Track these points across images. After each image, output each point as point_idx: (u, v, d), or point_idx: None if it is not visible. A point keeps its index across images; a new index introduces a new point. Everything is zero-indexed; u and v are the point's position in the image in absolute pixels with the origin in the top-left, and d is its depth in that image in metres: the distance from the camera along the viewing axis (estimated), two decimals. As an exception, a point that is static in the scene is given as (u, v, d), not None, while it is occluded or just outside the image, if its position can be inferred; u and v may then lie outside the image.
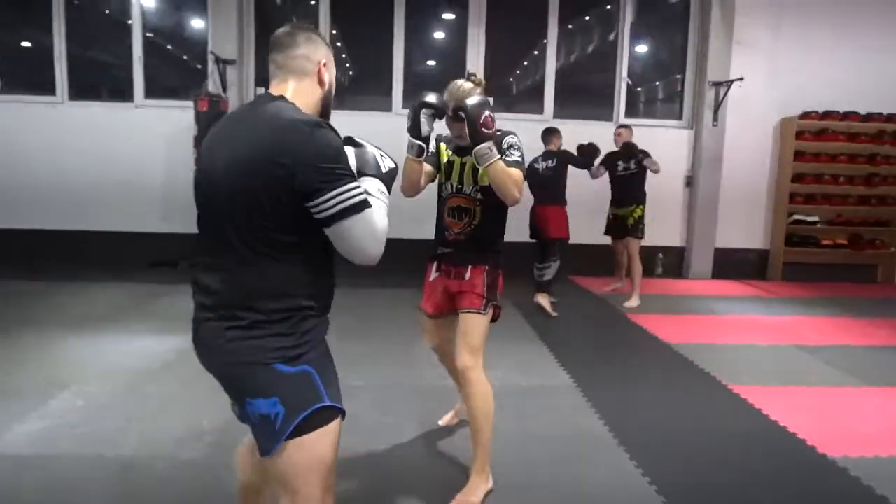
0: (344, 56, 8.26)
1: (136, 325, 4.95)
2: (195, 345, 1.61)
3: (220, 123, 1.65)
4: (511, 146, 2.50)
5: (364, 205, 1.48)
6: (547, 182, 5.67)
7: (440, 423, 3.31)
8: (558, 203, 5.70)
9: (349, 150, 1.59)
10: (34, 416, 3.27)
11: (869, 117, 7.72)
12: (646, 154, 6.01)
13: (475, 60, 7.59)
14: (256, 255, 1.50)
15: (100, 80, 7.87)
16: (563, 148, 5.80)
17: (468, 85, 2.56)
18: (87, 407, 3.41)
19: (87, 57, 7.67)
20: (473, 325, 2.56)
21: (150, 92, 7.49)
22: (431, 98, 2.42)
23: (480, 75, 2.75)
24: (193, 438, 3.04)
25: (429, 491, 2.68)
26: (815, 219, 7.95)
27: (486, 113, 2.36)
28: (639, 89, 8.13)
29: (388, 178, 1.65)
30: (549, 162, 5.70)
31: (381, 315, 5.53)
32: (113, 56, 7.69)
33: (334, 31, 7.80)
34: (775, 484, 2.81)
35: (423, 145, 2.51)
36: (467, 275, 2.60)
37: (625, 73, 7.81)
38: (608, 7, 7.99)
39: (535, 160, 5.69)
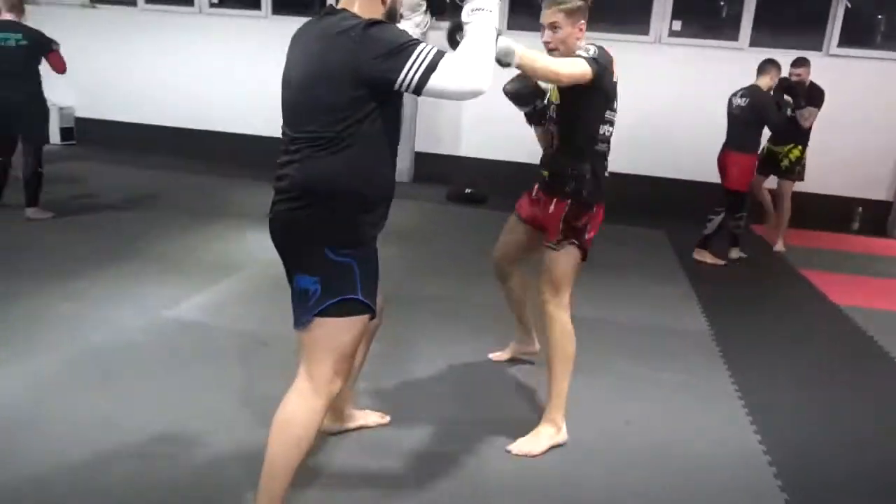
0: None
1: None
2: (269, 223, 1.78)
3: (295, 34, 1.78)
4: (582, 50, 2.25)
5: (437, 57, 1.56)
6: (735, 121, 5.09)
7: (490, 356, 3.21)
8: (742, 150, 5.07)
9: None
10: (209, 290, 3.82)
11: None
12: (807, 104, 5.31)
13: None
14: (319, 149, 1.65)
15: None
16: (772, 87, 5.10)
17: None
18: (247, 290, 3.91)
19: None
20: (551, 259, 2.44)
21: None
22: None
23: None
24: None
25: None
26: None
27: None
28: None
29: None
30: (742, 100, 5.02)
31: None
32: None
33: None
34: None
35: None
36: (551, 207, 2.49)
37: (844, -6, 6.73)
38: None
39: (734, 94, 5.12)
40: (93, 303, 3.51)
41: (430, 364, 3.10)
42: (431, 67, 1.55)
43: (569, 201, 2.43)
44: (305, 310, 1.72)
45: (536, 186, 2.65)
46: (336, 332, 1.73)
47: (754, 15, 6.92)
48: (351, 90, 1.60)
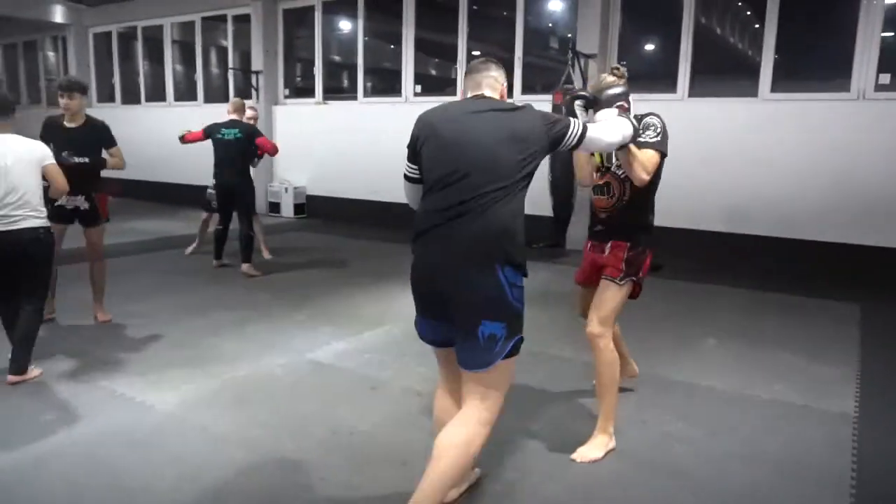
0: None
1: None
2: (437, 276, 2.09)
3: (451, 110, 2.23)
4: (648, 126, 2.58)
5: (585, 128, 2.24)
6: None
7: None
8: None
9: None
10: (350, 339, 4.37)
11: None
12: None
13: (868, 27, 6.37)
14: (498, 201, 2.05)
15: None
16: None
17: (611, 78, 2.69)
18: (382, 341, 4.39)
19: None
20: (605, 293, 2.80)
21: (528, 88, 8.45)
22: (582, 90, 2.64)
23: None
24: (426, 379, 3.69)
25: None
26: None
27: (621, 102, 2.51)
28: None
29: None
30: None
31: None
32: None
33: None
34: None
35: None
36: (607, 249, 2.86)
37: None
38: None
39: None
40: (255, 343, 4.24)
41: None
42: (585, 129, 2.23)
43: (629, 244, 2.81)
44: (493, 354, 2.03)
45: (589, 243, 3.02)
46: (508, 369, 2.12)
47: None
48: (533, 147, 2.10)
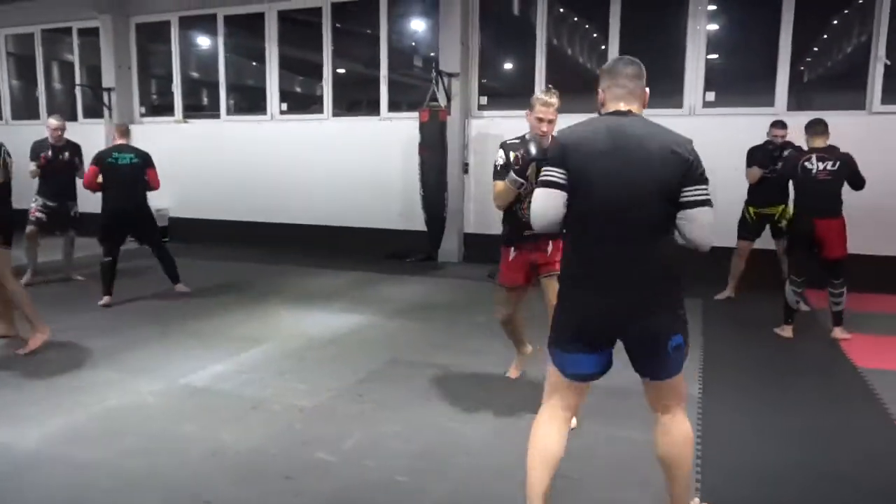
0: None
1: (335, 305, 5.90)
2: (618, 307, 2.12)
3: (600, 133, 2.12)
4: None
5: (710, 201, 2.08)
6: (826, 186, 4.74)
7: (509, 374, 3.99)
8: (840, 215, 4.80)
9: None
10: (226, 361, 4.27)
11: None
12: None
13: (695, 50, 7.17)
14: (658, 233, 2.11)
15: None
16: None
17: (554, 99, 3.26)
18: (260, 360, 4.33)
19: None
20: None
21: (394, 105, 8.63)
22: (539, 154, 3.09)
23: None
24: (309, 394, 3.71)
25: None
26: None
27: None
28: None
29: None
30: (827, 164, 4.73)
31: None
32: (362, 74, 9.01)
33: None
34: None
35: (524, 182, 3.21)
36: (549, 248, 3.36)
37: (882, 51, 6.61)
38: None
39: (805, 159, 4.82)
40: (124, 371, 4.04)
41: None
42: (708, 202, 2.08)
43: (556, 240, 3.31)
44: (679, 363, 2.18)
45: (513, 248, 3.46)
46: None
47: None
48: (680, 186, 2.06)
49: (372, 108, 8.78)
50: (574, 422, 2.79)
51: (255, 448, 3.05)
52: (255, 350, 4.53)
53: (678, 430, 2.25)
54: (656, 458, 2.31)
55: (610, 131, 2.10)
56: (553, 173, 2.12)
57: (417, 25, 9.09)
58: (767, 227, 6.03)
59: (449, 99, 7.99)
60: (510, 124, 3.20)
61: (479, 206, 8.15)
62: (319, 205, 8.92)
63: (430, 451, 3.05)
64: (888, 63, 6.65)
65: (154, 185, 6.08)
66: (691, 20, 7.22)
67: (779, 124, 5.81)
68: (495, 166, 3.38)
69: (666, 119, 2.35)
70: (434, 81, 7.84)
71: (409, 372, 4.01)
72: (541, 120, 3.27)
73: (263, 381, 3.94)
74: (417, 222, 8.08)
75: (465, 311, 5.68)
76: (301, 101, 9.84)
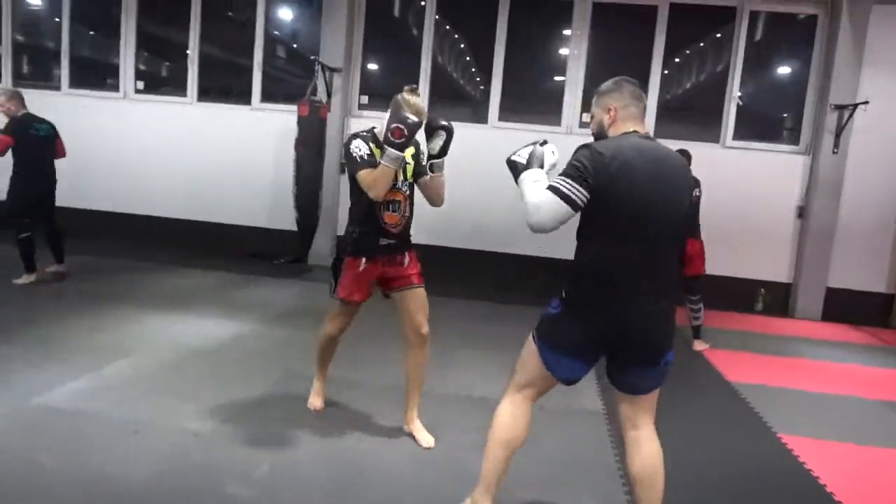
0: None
1: (205, 310, 5.33)
2: (634, 323, 2.11)
3: (634, 153, 2.08)
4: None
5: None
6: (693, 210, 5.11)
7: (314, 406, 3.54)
8: (698, 235, 5.24)
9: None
10: (88, 376, 3.66)
11: None
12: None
13: (575, 73, 7.46)
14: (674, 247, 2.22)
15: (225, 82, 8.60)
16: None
17: (418, 98, 2.98)
18: (129, 376, 3.75)
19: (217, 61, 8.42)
20: (424, 297, 3.14)
21: (268, 96, 8.09)
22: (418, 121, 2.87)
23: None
24: (200, 415, 3.27)
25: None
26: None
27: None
28: (749, 110, 7.55)
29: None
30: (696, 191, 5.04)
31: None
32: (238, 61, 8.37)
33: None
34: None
35: (403, 157, 2.93)
36: (406, 260, 3.13)
37: (737, 92, 7.31)
38: (723, 25, 7.51)
39: None
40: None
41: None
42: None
43: (415, 252, 3.18)
44: (664, 378, 2.20)
45: (363, 259, 3.07)
46: None
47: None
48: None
49: (242, 97, 8.17)
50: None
51: (147, 483, 2.60)
52: (121, 362, 3.93)
53: (651, 446, 2.23)
54: (630, 476, 2.27)
55: (639, 151, 2.10)
56: (574, 190, 2.04)
57: (299, 16, 8.61)
58: None
59: (329, 94, 7.64)
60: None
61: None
62: (179, 196, 8.12)
63: (348, 476, 2.79)
64: (741, 103, 7.36)
65: (62, 154, 5.76)
66: (572, 44, 7.52)
67: None
68: (358, 157, 2.92)
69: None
70: (315, 74, 7.46)
71: (308, 386, 3.67)
72: None
73: (139, 400, 3.41)
74: (286, 221, 7.64)
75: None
76: (160, 82, 8.91)
